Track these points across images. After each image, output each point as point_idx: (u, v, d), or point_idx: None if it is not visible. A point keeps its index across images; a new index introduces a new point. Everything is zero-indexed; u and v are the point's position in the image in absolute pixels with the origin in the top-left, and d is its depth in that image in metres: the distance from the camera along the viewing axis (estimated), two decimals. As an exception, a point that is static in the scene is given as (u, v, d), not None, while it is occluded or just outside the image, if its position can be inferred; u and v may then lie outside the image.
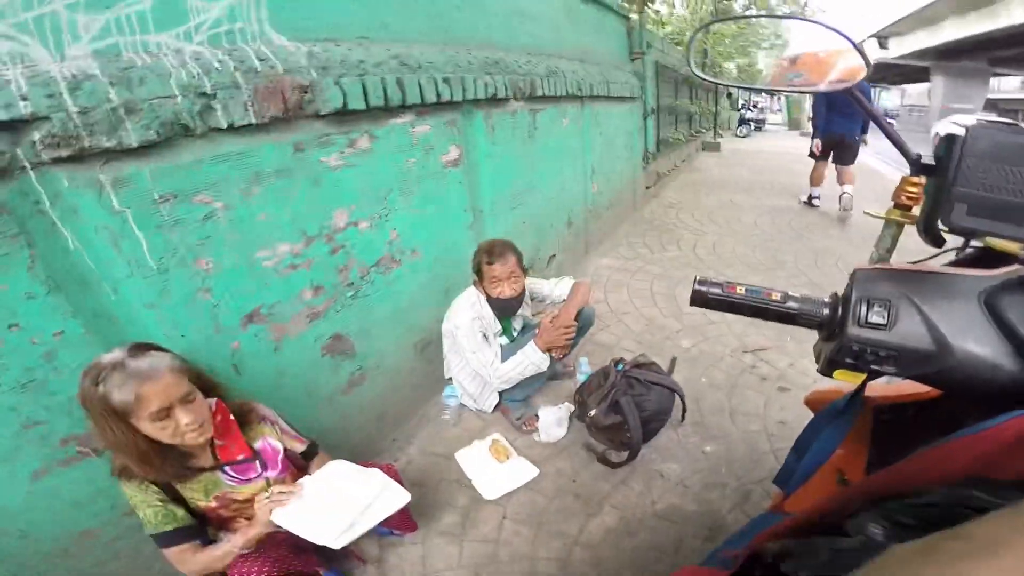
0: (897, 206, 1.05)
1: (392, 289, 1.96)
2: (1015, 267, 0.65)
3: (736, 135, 16.83)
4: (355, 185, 1.69)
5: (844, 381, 0.70)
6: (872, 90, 6.51)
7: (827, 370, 0.71)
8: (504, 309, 2.05)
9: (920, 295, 0.64)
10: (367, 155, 1.71)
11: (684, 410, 2.14)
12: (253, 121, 1.30)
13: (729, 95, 17.96)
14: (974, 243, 0.81)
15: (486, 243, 2.03)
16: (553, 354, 2.02)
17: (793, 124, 20.79)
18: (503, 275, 1.93)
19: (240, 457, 1.23)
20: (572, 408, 2.22)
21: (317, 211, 1.57)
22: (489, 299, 2.01)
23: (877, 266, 0.71)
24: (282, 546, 1.28)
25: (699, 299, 0.77)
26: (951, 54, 18.69)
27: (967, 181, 0.60)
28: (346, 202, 1.67)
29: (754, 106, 25.10)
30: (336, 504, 1.19)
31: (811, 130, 5.49)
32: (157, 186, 1.12)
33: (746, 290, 0.75)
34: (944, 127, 0.69)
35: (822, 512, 0.61)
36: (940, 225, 0.67)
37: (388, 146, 1.80)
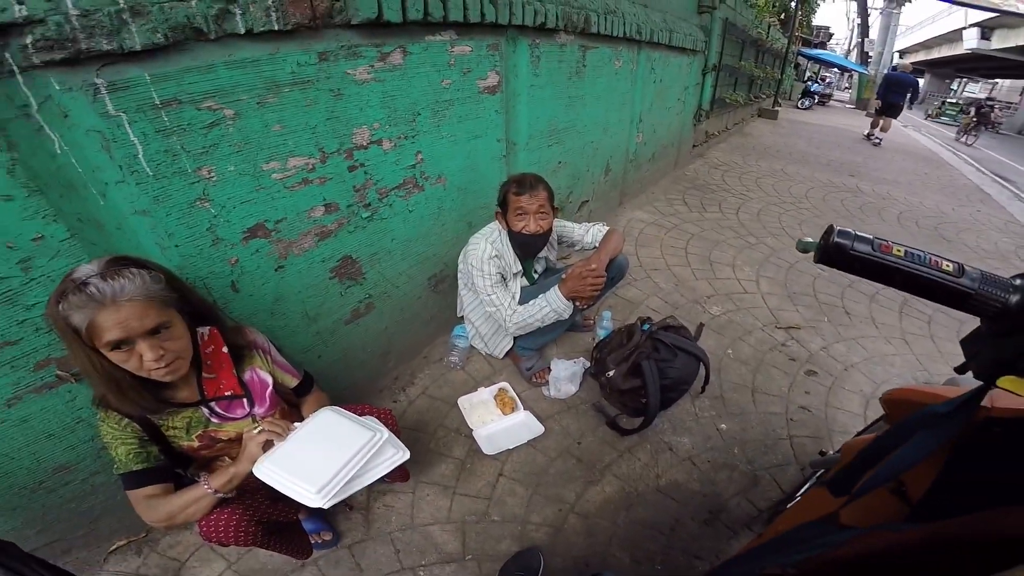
0: None
1: (412, 215, 1.84)
2: None
3: (797, 106, 16.23)
4: (382, 102, 1.56)
5: (1009, 390, 0.54)
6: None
7: (991, 373, 0.56)
8: (526, 247, 1.87)
9: None
10: (399, 71, 1.58)
11: (706, 382, 2.02)
12: (275, 28, 1.19)
13: (797, 65, 16.99)
14: None
15: (516, 174, 1.85)
16: (577, 303, 1.85)
17: (861, 104, 19.55)
18: (530, 208, 1.76)
19: (228, 393, 1.11)
20: (587, 364, 2.11)
21: (338, 126, 1.44)
22: (511, 234, 1.85)
23: None
24: (257, 493, 1.16)
25: (834, 254, 0.61)
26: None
27: None
28: (370, 119, 1.54)
29: (822, 80, 24.18)
30: (328, 460, 1.05)
31: (874, 109, 9.72)
32: (160, 91, 1.04)
33: (906, 253, 0.59)
34: None
35: (889, 544, 0.47)
36: None
37: (423, 64, 1.65)
